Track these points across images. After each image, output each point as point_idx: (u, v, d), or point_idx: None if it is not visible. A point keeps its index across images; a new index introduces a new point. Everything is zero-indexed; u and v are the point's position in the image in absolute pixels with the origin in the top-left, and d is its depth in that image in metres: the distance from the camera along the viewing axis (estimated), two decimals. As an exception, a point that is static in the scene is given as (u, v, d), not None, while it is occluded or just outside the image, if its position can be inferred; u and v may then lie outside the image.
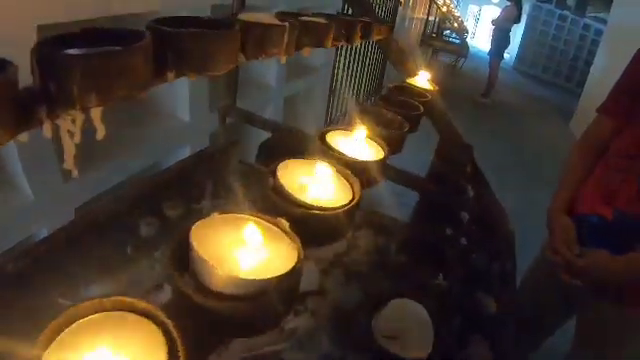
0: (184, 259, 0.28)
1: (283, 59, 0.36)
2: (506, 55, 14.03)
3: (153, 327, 0.28)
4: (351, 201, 0.34)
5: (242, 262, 0.30)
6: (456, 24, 6.59)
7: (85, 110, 0.22)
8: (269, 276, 0.27)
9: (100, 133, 0.24)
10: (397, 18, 3.90)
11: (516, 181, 3.20)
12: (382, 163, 0.41)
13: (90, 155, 1.03)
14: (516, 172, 3.50)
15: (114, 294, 0.29)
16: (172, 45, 0.27)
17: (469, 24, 19.31)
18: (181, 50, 0.27)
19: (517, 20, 5.92)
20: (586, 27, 11.66)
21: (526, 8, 13.21)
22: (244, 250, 0.30)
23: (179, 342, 0.26)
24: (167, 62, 0.27)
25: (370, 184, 0.39)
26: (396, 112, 0.51)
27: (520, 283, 1.24)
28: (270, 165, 0.39)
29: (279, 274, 0.28)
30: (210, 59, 0.28)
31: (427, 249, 0.54)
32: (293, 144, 0.79)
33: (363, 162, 0.39)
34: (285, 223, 0.30)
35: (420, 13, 5.65)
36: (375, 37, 0.65)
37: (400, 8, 3.93)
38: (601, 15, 10.06)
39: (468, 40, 14.17)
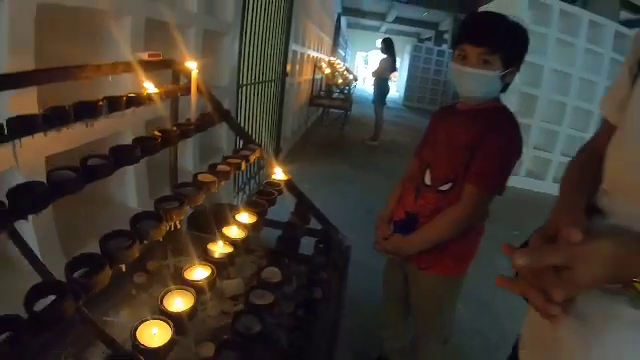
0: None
1: (217, 190, 1.05)
2: (395, 94, 15.67)
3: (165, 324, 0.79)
4: (244, 237, 1.03)
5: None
6: (341, 80, 7.59)
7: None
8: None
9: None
10: (286, 84, 4.74)
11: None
12: (255, 224, 1.10)
13: (75, 242, 1.56)
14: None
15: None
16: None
17: (359, 69, 21.31)
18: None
19: (393, 69, 7.09)
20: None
21: (408, 48, 15.08)
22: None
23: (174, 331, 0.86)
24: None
25: (251, 232, 1.08)
26: (263, 199, 1.23)
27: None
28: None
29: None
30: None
31: (282, 262, 1.22)
32: (209, 214, 1.42)
33: (246, 224, 1.08)
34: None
35: (307, 75, 6.56)
36: (252, 159, 1.37)
37: (287, 77, 4.75)
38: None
39: (360, 85, 15.63)
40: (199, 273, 0.91)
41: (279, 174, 1.41)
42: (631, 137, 0.71)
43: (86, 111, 0.98)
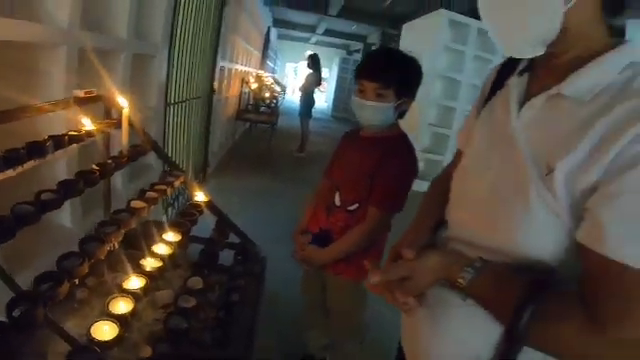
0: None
1: (147, 213, 1.28)
2: (324, 104, 16.11)
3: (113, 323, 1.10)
4: (171, 253, 1.28)
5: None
6: (268, 94, 7.85)
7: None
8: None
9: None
10: (214, 100, 4.93)
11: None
12: (180, 241, 1.34)
13: (18, 261, 1.69)
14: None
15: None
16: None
17: (289, 80, 21.69)
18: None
19: (318, 83, 7.48)
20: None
21: (337, 60, 15.64)
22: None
23: (122, 329, 1.10)
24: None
25: (177, 249, 1.32)
26: (186, 220, 1.47)
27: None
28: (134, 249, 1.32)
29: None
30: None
31: (203, 273, 1.47)
32: (139, 235, 1.62)
33: (172, 242, 1.32)
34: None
35: (235, 89, 6.74)
36: (177, 184, 1.61)
37: (215, 94, 4.93)
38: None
39: (289, 95, 15.96)
40: (135, 283, 1.14)
41: (200, 196, 1.66)
42: (465, 159, 0.97)
43: (36, 151, 1.18)
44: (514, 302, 0.70)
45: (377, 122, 1.62)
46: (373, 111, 1.57)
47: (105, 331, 0.97)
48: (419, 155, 6.01)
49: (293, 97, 17.82)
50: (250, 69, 7.92)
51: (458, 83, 6.13)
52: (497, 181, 0.82)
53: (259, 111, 7.46)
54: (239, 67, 6.75)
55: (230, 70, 6.05)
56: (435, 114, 6.46)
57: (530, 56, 0.77)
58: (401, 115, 1.66)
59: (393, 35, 13.90)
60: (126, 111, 1.59)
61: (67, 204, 1.93)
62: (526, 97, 0.83)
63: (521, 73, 0.88)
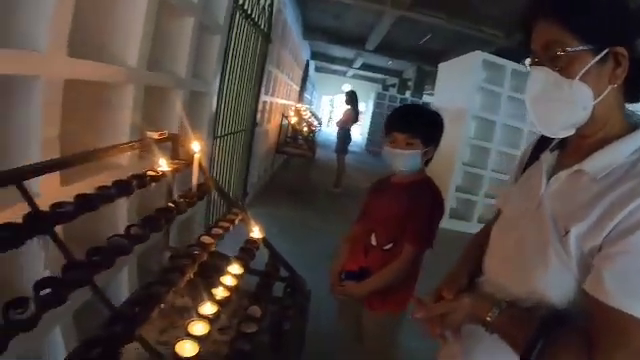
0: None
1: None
2: (359, 137, 16.30)
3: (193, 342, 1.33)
4: (237, 284, 1.45)
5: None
6: (306, 128, 8.05)
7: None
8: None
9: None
10: (255, 133, 5.18)
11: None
12: (243, 274, 1.52)
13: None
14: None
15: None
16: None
17: (325, 112, 22.12)
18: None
19: (355, 120, 7.67)
20: (425, 104, 13.87)
21: (372, 95, 15.93)
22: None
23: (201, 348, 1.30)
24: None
25: (240, 279, 1.50)
26: (246, 255, 1.65)
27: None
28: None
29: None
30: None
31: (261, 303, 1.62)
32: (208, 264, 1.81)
33: (237, 274, 1.50)
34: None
35: (275, 122, 7.00)
36: (237, 221, 1.79)
37: (257, 126, 5.19)
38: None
39: (325, 128, 16.23)
40: (209, 309, 1.32)
41: (256, 233, 1.84)
42: (501, 217, 1.16)
43: (124, 190, 1.37)
44: (527, 337, 0.85)
45: (408, 168, 1.80)
46: (404, 158, 1.76)
47: (187, 349, 1.14)
48: (452, 194, 6.07)
49: (328, 129, 18.16)
50: (290, 102, 8.22)
51: (492, 123, 6.19)
52: (523, 239, 1.00)
53: (297, 143, 7.70)
54: (280, 101, 7.07)
55: (272, 104, 6.36)
56: (469, 154, 6.59)
57: (562, 137, 0.95)
58: (427, 162, 1.86)
59: (428, 71, 14.14)
60: (197, 156, 1.78)
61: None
62: (555, 170, 1.00)
63: (552, 149, 1.05)
